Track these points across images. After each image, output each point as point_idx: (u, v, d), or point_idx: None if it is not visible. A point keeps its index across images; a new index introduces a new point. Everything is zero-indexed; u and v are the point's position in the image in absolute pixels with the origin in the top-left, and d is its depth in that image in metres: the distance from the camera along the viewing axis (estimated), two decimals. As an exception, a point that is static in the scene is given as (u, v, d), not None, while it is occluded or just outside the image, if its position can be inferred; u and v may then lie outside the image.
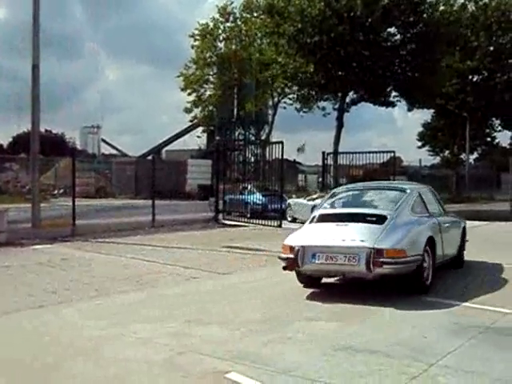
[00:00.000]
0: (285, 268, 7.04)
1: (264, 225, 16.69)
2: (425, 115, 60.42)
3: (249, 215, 18.19)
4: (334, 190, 8.80)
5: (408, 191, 7.85)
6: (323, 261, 6.58)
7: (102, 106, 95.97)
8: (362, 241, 6.50)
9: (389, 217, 6.95)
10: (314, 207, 17.02)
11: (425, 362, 4.33)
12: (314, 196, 18.43)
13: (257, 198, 19.02)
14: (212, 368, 4.24)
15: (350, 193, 8.52)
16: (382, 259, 6.29)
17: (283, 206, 17.85)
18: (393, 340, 4.92)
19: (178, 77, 37.45)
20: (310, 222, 7.59)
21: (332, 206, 8.05)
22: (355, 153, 22.44)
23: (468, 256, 10.13)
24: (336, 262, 6.52)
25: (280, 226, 16.14)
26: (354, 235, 6.64)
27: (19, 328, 5.59)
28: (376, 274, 6.38)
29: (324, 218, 7.42)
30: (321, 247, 6.67)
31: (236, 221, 18.04)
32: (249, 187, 19.49)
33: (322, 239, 6.81)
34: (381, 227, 6.72)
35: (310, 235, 7.05)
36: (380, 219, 6.89)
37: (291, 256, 6.76)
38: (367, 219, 6.94)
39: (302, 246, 6.72)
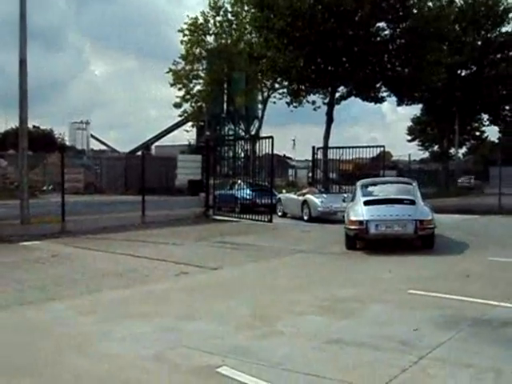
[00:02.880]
0: (355, 236, 10.34)
1: (254, 220, 16.70)
2: (414, 110, 60.82)
3: (238, 210, 18.20)
4: (361, 184, 11.67)
5: (413, 184, 11.54)
6: (384, 228, 10.03)
7: (89, 100, 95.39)
8: (409, 215, 10.04)
9: (416, 200, 10.50)
10: (304, 202, 17.16)
11: (415, 354, 4.36)
12: (304, 191, 18.45)
13: (246, 193, 19.03)
14: (203, 362, 4.25)
15: (374, 186, 11.90)
16: (422, 226, 9.93)
17: (273, 200, 17.86)
18: (383, 333, 4.95)
19: (168, 73, 37.25)
20: (355, 203, 10.89)
21: (368, 195, 11.10)
22: (345, 147, 22.49)
23: (457, 249, 10.25)
24: (393, 229, 10.04)
25: (270, 221, 16.17)
26: (402, 212, 10.15)
27: (9, 324, 5.55)
28: (419, 235, 10.06)
29: (369, 203, 10.54)
30: (382, 220, 10.01)
31: (226, 216, 18.03)
32: (238, 182, 19.48)
33: (381, 215, 10.07)
34: (414, 207, 10.30)
35: (369, 213, 10.13)
36: (411, 202, 10.43)
37: (361, 227, 10.02)
38: (404, 202, 10.45)
39: (367, 220, 9.98)
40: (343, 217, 11.96)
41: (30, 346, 4.82)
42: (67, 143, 63.23)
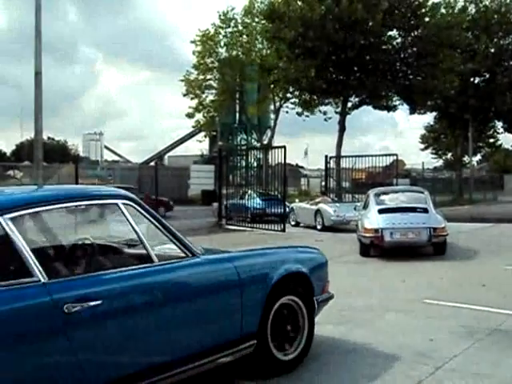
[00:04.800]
0: (370, 244, 10.44)
1: (267, 229, 16.68)
2: (426, 118, 60.62)
3: (249, 219, 18.25)
4: (374, 193, 11.77)
5: (425, 193, 11.83)
6: (399, 236, 10.15)
7: (102, 111, 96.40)
8: (423, 223, 10.24)
9: (428, 209, 10.70)
10: (317, 211, 17.12)
11: (431, 365, 4.32)
12: (317, 200, 18.42)
13: (256, 202, 19.09)
14: None
15: (388, 195, 12.09)
16: (436, 233, 10.12)
17: (283, 209, 17.74)
18: (399, 343, 4.92)
19: (181, 81, 37.57)
20: (368, 211, 11.03)
21: (381, 203, 11.26)
22: (358, 156, 22.49)
23: (472, 258, 10.16)
24: (407, 237, 10.19)
25: (284, 230, 16.14)
26: (416, 220, 10.32)
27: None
28: (432, 242, 10.23)
29: (384, 211, 10.72)
30: (397, 228, 10.16)
31: (239, 226, 18.04)
32: (248, 192, 19.53)
33: (396, 223, 10.22)
34: (427, 215, 10.53)
35: (384, 221, 10.30)
36: (424, 210, 10.62)
37: (377, 235, 10.18)
38: (417, 210, 10.62)
39: (382, 228, 10.13)
40: (356, 225, 11.99)
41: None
42: (81, 154, 63.82)
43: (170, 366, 3.34)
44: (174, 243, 3.63)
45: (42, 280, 2.85)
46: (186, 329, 3.50)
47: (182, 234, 3.73)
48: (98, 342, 3.00)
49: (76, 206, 3.46)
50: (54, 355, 2.83)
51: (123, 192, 3.73)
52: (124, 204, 3.46)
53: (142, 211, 3.56)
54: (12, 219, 2.91)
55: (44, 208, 3.18)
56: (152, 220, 3.58)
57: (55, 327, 2.82)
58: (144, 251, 3.43)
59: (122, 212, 3.44)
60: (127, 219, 3.44)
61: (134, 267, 3.36)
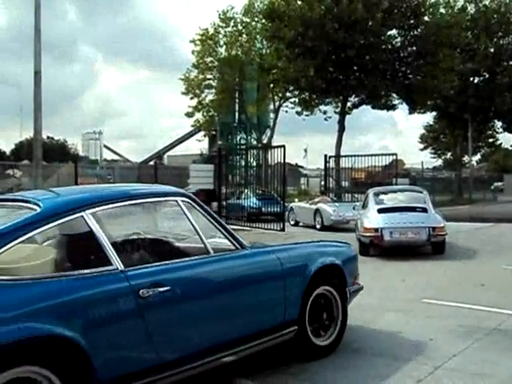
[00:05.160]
0: (369, 243, 10.43)
1: (266, 229, 16.67)
2: (426, 117, 60.63)
3: (245, 219, 18.29)
4: (373, 193, 11.81)
5: (424, 192, 11.86)
6: (398, 235, 10.18)
7: (101, 111, 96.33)
8: (423, 222, 10.28)
9: (427, 208, 10.75)
10: (317, 211, 17.10)
11: (430, 364, 4.32)
12: (316, 200, 18.41)
13: (252, 201, 19.15)
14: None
15: (387, 194, 12.12)
16: (435, 233, 10.17)
17: (279, 208, 17.69)
18: (398, 343, 4.92)
19: (181, 80, 37.57)
20: (367, 211, 11.06)
21: (381, 203, 11.32)
22: (357, 156, 22.50)
23: (471, 257, 10.17)
24: (407, 236, 10.24)
25: (283, 229, 16.13)
26: (416, 219, 10.39)
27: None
28: (431, 241, 10.28)
29: (383, 210, 10.78)
30: (396, 228, 10.20)
31: (238, 225, 18.02)
32: (245, 191, 19.55)
33: (395, 223, 10.27)
34: (427, 214, 10.58)
35: (384, 220, 10.35)
36: (423, 210, 10.69)
37: (376, 234, 10.20)
38: (416, 210, 10.70)
39: (382, 228, 10.17)
40: (355, 225, 11.99)
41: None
42: (80, 153, 63.78)
43: (228, 346, 3.74)
44: (226, 236, 4.04)
45: (120, 268, 3.25)
46: (238, 313, 3.89)
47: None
48: (167, 323, 3.39)
49: (143, 202, 3.85)
50: (132, 333, 3.21)
51: (182, 190, 4.23)
52: (182, 201, 3.87)
53: (198, 207, 3.96)
54: (92, 214, 3.31)
55: (117, 204, 3.58)
56: (206, 215, 3.99)
57: (133, 309, 3.20)
58: (201, 243, 3.81)
59: (181, 208, 3.83)
60: (185, 215, 3.83)
61: (193, 258, 3.75)
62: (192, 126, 42.44)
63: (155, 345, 3.30)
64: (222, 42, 36.93)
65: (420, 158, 71.95)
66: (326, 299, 4.66)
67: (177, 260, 3.64)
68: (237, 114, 42.32)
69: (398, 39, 28.54)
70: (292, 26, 25.89)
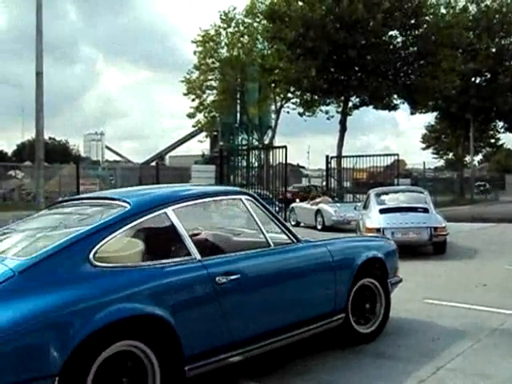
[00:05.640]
0: None
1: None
2: (428, 117, 60.60)
3: None
4: (374, 193, 11.85)
5: (425, 193, 12.00)
6: (400, 236, 10.01)
7: (103, 111, 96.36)
8: (424, 223, 10.38)
9: (429, 209, 10.82)
10: (318, 211, 17.08)
11: (432, 364, 4.32)
12: (318, 200, 18.40)
13: None
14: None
15: (388, 195, 12.19)
16: (436, 233, 10.29)
17: (276, 208, 17.60)
18: (400, 343, 4.91)
19: (182, 81, 37.59)
20: (369, 211, 11.14)
21: (382, 203, 11.36)
22: (359, 156, 22.49)
23: (473, 258, 10.14)
24: (408, 236, 10.27)
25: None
26: (417, 219, 10.47)
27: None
28: (433, 241, 10.40)
29: (385, 211, 10.82)
30: (398, 228, 10.25)
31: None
32: None
33: (397, 223, 10.33)
34: (428, 215, 10.67)
35: (386, 221, 10.41)
36: (424, 210, 10.76)
37: (378, 234, 9.89)
38: (418, 210, 10.77)
39: (384, 228, 10.19)
40: (356, 225, 11.98)
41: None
42: (82, 154, 63.86)
43: (287, 329, 4.13)
44: (283, 231, 4.46)
45: (198, 258, 3.66)
46: (296, 300, 4.27)
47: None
48: (238, 307, 3.79)
49: (214, 200, 4.39)
50: (211, 315, 3.62)
51: (245, 190, 4.82)
52: (246, 199, 4.31)
53: (259, 205, 4.38)
54: (174, 210, 3.74)
55: (193, 202, 4.06)
56: (266, 212, 4.41)
57: (211, 294, 3.61)
58: (263, 237, 4.21)
59: (245, 205, 4.28)
60: (249, 211, 4.28)
61: (257, 250, 4.14)
62: (193, 126, 42.47)
63: (228, 326, 3.69)
64: (223, 43, 36.95)
65: (422, 159, 71.90)
66: (369, 290, 5.02)
67: (243, 251, 4.04)
68: (238, 114, 42.37)
69: (399, 39, 28.54)
70: (293, 27, 25.90)
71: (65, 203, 4.48)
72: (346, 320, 4.68)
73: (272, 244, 4.21)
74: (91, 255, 3.23)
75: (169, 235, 3.73)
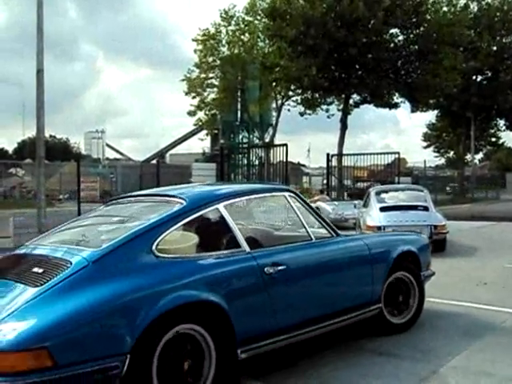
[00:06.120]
0: None
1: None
2: (429, 116, 60.51)
3: None
4: (374, 192, 11.94)
5: (425, 191, 11.98)
6: None
7: (103, 109, 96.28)
8: (424, 221, 10.31)
9: (428, 207, 10.83)
10: (316, 208, 17.05)
11: (433, 363, 4.32)
12: (315, 198, 18.39)
13: None
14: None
15: (388, 193, 12.28)
16: (436, 231, 10.29)
17: None
18: (401, 341, 4.92)
19: (183, 80, 37.54)
20: (369, 209, 11.13)
21: (382, 201, 11.39)
22: (359, 154, 22.48)
23: (473, 256, 10.14)
24: None
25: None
26: (417, 217, 10.42)
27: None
28: (433, 239, 9.73)
29: (385, 209, 10.82)
30: (399, 226, 10.00)
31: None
32: None
33: (397, 221, 10.22)
34: (428, 213, 10.62)
35: (386, 218, 10.35)
36: (424, 208, 10.77)
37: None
38: (418, 208, 10.77)
39: (384, 226, 10.10)
40: (354, 224, 11.99)
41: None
42: (83, 152, 63.88)
43: (329, 317, 4.42)
44: (323, 225, 4.72)
45: (247, 250, 3.94)
46: (337, 289, 4.57)
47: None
48: (284, 295, 4.07)
49: (260, 197, 4.67)
50: (260, 302, 3.91)
51: (288, 187, 5.19)
52: (289, 195, 4.61)
53: (301, 201, 4.68)
54: (225, 206, 4.04)
55: (241, 198, 4.38)
56: (307, 207, 4.70)
57: (260, 283, 3.89)
58: (305, 231, 4.48)
59: (288, 201, 4.56)
60: (292, 207, 4.57)
61: (300, 243, 4.42)
62: (194, 124, 42.46)
63: (275, 313, 3.97)
64: (224, 41, 36.89)
65: (423, 157, 71.86)
66: (403, 282, 5.26)
67: (287, 244, 4.34)
68: (239, 112, 42.25)
69: (400, 37, 28.49)
70: (294, 25, 25.86)
71: (121, 200, 4.80)
72: (380, 311, 4.92)
73: (313, 237, 4.48)
74: (154, 247, 3.54)
75: (220, 229, 4.01)
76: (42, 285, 3.18)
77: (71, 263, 3.31)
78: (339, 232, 4.83)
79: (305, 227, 4.49)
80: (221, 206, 4.02)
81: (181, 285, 3.48)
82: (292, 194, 4.65)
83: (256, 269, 3.89)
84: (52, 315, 2.97)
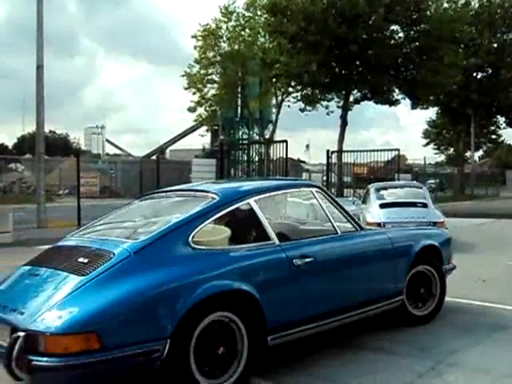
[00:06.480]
0: None
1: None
2: (429, 112, 60.43)
3: None
4: (373, 188, 11.96)
5: (424, 188, 12.06)
6: None
7: (103, 105, 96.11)
8: (423, 217, 10.17)
9: (427, 203, 10.84)
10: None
11: (432, 359, 4.34)
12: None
13: None
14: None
15: (387, 190, 12.19)
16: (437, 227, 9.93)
17: None
18: (400, 338, 4.93)
19: (183, 76, 37.46)
20: (369, 206, 11.19)
21: (382, 198, 11.43)
22: (359, 151, 22.45)
23: (473, 253, 10.15)
24: None
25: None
26: (417, 214, 10.35)
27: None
28: None
29: (385, 205, 10.83)
30: (398, 222, 9.87)
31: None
32: None
33: (397, 217, 10.19)
34: (427, 209, 10.63)
35: (386, 215, 10.36)
36: (423, 205, 10.80)
37: None
38: (417, 205, 10.80)
39: (384, 222, 10.08)
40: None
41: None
42: (83, 147, 63.84)
43: (355, 307, 4.63)
44: (348, 219, 4.89)
45: (277, 243, 4.14)
46: (362, 281, 4.75)
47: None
48: (312, 286, 4.26)
49: (288, 192, 4.92)
50: (289, 292, 4.10)
51: (315, 183, 5.49)
52: (316, 191, 4.82)
53: (327, 196, 4.91)
54: (255, 201, 4.25)
55: (271, 193, 4.58)
56: (333, 202, 4.89)
57: (288, 274, 4.09)
58: (331, 225, 4.67)
59: (315, 196, 4.78)
60: (318, 202, 4.78)
61: (326, 236, 4.61)
62: (194, 120, 42.32)
63: (303, 302, 4.17)
64: (224, 37, 36.78)
65: (423, 154, 71.79)
66: (425, 276, 5.42)
67: (314, 237, 4.53)
68: (239, 108, 42.18)
69: (401, 34, 28.41)
70: (294, 21, 25.79)
71: (155, 195, 5.04)
72: (402, 303, 5.09)
73: (339, 231, 4.67)
74: (190, 239, 3.75)
75: (251, 222, 4.20)
76: (88, 274, 3.41)
77: (114, 254, 3.53)
78: (364, 226, 5.07)
79: (331, 221, 4.68)
80: (252, 201, 4.22)
81: (215, 275, 3.68)
82: (319, 190, 4.86)
83: (285, 260, 4.07)
84: (99, 302, 3.22)
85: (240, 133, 44.25)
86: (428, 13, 27.63)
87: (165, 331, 3.33)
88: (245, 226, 4.24)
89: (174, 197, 4.78)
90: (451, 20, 27.77)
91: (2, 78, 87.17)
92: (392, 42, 27.82)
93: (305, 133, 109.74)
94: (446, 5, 30.18)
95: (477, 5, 35.59)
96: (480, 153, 60.28)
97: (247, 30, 35.88)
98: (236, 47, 36.34)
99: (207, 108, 39.17)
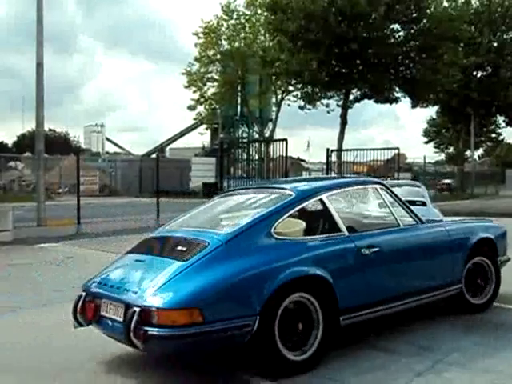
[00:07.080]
0: None
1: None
2: (429, 111, 60.40)
3: None
4: None
5: (422, 187, 12.06)
6: None
7: (103, 103, 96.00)
8: (423, 216, 10.02)
9: (426, 202, 10.86)
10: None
11: (431, 358, 4.34)
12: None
13: None
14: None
15: None
16: None
17: None
18: (400, 337, 4.93)
19: (183, 74, 37.46)
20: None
21: None
22: (359, 150, 22.46)
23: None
24: None
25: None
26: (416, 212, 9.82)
27: (24, 326, 5.60)
28: None
29: None
30: None
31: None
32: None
33: None
34: (426, 208, 10.61)
35: None
36: (422, 203, 10.79)
37: None
38: (416, 203, 10.76)
39: None
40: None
41: (48, 351, 4.85)
42: (82, 146, 63.80)
43: (416, 293, 5.04)
44: (409, 213, 5.34)
45: (346, 234, 4.61)
46: (423, 270, 5.17)
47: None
48: (378, 273, 4.70)
49: (355, 188, 5.33)
50: (358, 279, 4.53)
51: (379, 180, 5.94)
52: (380, 188, 5.28)
53: (390, 192, 5.30)
54: (327, 196, 4.74)
55: (340, 190, 5.08)
56: (395, 198, 5.32)
57: (357, 262, 4.54)
58: (393, 218, 5.13)
59: (379, 192, 5.25)
60: (382, 198, 5.23)
61: (390, 228, 5.06)
62: (194, 119, 42.42)
63: (370, 288, 4.58)
64: (224, 35, 36.76)
65: (423, 153, 71.84)
66: (481, 267, 5.76)
67: (379, 229, 4.98)
68: (239, 107, 42.25)
69: (401, 33, 28.35)
70: (295, 19, 25.73)
71: (232, 192, 5.74)
72: (461, 291, 5.47)
73: (401, 224, 5.11)
74: (272, 230, 4.24)
75: (324, 216, 4.69)
76: (188, 260, 3.94)
77: (209, 243, 4.06)
78: (424, 220, 5.40)
79: (393, 215, 5.13)
80: (324, 197, 4.70)
81: (295, 262, 4.17)
82: (382, 187, 5.29)
83: (354, 250, 4.52)
84: (200, 283, 3.76)
85: (240, 131, 44.32)
86: (428, 11, 27.59)
87: (254, 309, 3.81)
88: (318, 219, 4.74)
89: (254, 193, 5.23)
90: (451, 18, 27.71)
91: (2, 77, 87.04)
92: (392, 40, 27.76)
93: (305, 131, 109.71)
94: (445, 3, 30.14)
95: (477, 3, 35.55)
96: (480, 151, 60.32)
97: (247, 29, 35.91)
98: (236, 45, 36.36)
99: (207, 106, 39.21)
